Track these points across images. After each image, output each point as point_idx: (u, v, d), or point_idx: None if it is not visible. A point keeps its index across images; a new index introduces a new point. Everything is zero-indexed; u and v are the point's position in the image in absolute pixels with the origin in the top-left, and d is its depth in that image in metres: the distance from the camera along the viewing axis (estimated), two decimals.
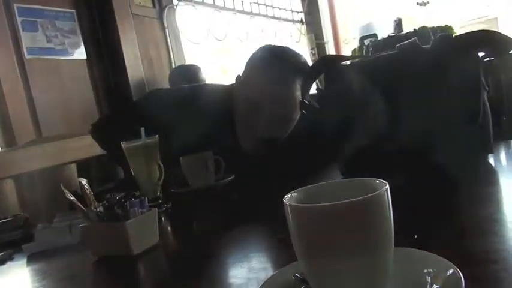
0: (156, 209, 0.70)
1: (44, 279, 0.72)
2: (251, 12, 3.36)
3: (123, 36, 2.25)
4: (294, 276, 0.40)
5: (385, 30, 3.48)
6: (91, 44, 2.19)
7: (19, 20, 1.89)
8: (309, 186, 0.40)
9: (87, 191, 0.69)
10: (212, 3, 2.93)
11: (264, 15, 3.57)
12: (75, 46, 2.13)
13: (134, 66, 2.31)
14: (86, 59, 2.17)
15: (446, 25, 1.92)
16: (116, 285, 0.61)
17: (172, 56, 2.54)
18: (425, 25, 1.75)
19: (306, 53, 4.19)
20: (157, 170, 0.95)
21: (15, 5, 1.88)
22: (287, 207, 0.36)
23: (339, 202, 0.33)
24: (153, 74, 2.44)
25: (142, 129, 0.96)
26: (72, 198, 0.66)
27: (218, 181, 1.10)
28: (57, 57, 2.03)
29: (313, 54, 3.98)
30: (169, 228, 0.88)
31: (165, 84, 2.39)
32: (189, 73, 2.34)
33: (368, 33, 3.51)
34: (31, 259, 0.79)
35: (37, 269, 0.76)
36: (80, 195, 0.72)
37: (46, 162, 1.56)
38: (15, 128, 1.77)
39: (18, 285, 0.72)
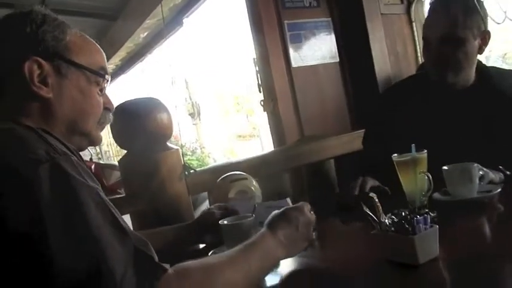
0: (437, 226, 0.80)
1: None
2: None
3: (372, 36, 2.38)
4: None
5: None
6: (343, 46, 2.40)
7: (288, 34, 2.25)
8: None
9: (377, 204, 0.84)
10: None
11: None
12: (330, 50, 2.38)
13: (381, 63, 2.41)
14: (338, 62, 2.40)
15: None
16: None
17: (419, 50, 2.53)
18: None
19: None
20: (427, 181, 1.04)
21: (285, 22, 2.24)
22: None
23: None
24: (399, 69, 2.49)
25: (413, 145, 1.07)
26: (368, 211, 0.83)
27: (483, 193, 1.11)
28: (315, 63, 2.32)
29: None
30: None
31: None
32: None
33: None
34: None
35: None
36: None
37: (312, 158, 1.86)
38: (285, 128, 2.13)
39: None
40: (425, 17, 1.42)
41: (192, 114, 9.68)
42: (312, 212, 0.90)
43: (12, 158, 0.65)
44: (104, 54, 0.90)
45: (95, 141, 0.90)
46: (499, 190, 1.10)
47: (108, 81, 0.88)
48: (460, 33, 1.28)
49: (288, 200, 1.00)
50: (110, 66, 7.01)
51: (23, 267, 0.62)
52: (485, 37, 1.33)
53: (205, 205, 1.56)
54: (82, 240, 0.62)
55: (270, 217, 0.87)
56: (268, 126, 2.27)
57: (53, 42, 0.77)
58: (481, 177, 1.16)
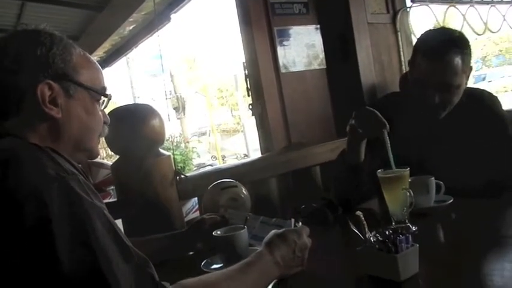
0: (418, 245, 0.86)
1: None
2: (492, 0, 3.09)
3: (359, 44, 2.44)
4: None
5: None
6: (330, 54, 2.46)
7: (277, 40, 2.29)
8: None
9: (363, 222, 0.91)
10: None
11: (506, 2, 3.22)
12: (317, 57, 2.43)
13: (367, 71, 2.47)
14: (325, 68, 2.45)
15: None
16: None
17: (403, 60, 2.61)
18: None
19: None
20: (408, 197, 1.11)
21: (275, 28, 2.28)
22: None
23: None
24: (384, 77, 2.57)
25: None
26: (354, 229, 0.89)
27: (439, 203, 1.25)
28: (303, 69, 2.37)
29: None
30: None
31: (395, 88, 2.49)
32: None
33: None
34: None
35: None
36: None
37: (300, 164, 1.92)
38: (272, 132, 2.17)
39: None
40: (421, 55, 1.39)
41: (176, 108, 9.66)
42: (309, 237, 0.95)
43: (26, 174, 0.68)
44: (103, 72, 0.93)
45: (95, 155, 0.94)
46: (452, 200, 1.25)
47: (110, 99, 0.91)
48: (459, 80, 1.34)
49: (292, 221, 1.05)
50: (94, 58, 6.93)
51: (32, 278, 0.65)
52: (470, 73, 1.39)
53: None
54: (91, 257, 0.66)
55: (269, 236, 0.92)
56: (256, 129, 2.31)
57: (61, 64, 0.80)
58: (438, 188, 1.28)
